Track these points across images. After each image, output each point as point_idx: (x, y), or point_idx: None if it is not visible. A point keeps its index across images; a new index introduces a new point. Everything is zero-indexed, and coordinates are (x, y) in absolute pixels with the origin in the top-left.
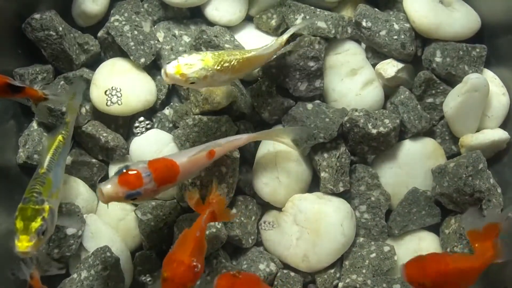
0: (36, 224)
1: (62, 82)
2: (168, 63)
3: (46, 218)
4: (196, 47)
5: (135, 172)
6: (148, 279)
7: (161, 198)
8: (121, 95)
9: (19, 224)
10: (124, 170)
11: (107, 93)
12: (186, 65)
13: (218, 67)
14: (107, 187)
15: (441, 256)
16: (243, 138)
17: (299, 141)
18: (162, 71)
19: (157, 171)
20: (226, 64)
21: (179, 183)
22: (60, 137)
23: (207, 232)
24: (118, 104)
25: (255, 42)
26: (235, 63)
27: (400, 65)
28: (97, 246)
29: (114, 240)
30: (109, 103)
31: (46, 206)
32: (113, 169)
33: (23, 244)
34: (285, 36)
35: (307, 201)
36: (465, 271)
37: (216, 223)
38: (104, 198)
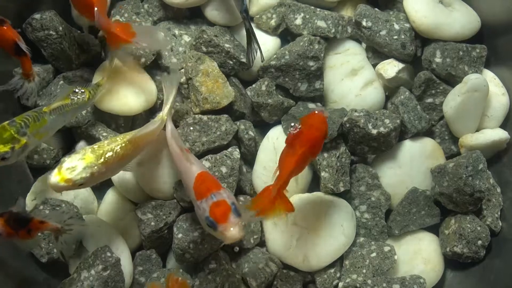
0: (3, 149)
1: (61, 82)
2: (50, 173)
3: (15, 149)
4: (196, 47)
5: (218, 204)
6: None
7: (160, 197)
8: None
9: None
10: (210, 218)
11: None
12: (68, 169)
13: (102, 160)
14: (235, 232)
15: None
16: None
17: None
18: (48, 183)
19: (205, 182)
20: (109, 154)
21: None
22: (87, 93)
23: (207, 233)
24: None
25: None
26: (119, 150)
27: (400, 65)
28: (97, 246)
29: (114, 240)
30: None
31: (23, 140)
32: None
33: None
34: (165, 111)
35: (307, 201)
36: None
37: None
38: (241, 231)
